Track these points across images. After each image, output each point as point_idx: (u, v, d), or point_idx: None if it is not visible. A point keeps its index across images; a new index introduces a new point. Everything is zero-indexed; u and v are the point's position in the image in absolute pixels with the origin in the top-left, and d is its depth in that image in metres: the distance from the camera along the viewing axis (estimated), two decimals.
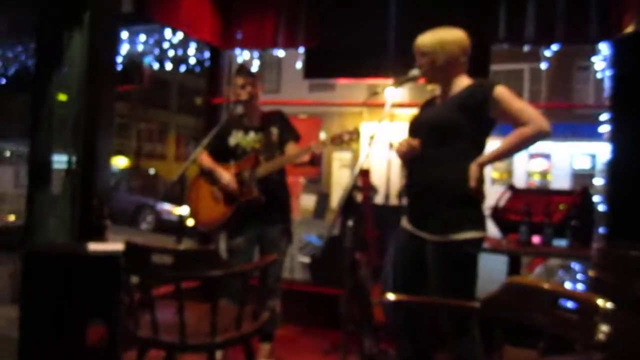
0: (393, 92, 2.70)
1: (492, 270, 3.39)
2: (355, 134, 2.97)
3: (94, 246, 2.87)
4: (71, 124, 3.50)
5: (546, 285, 1.63)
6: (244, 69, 3.39)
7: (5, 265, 3.77)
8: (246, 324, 2.38)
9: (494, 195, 4.15)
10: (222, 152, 3.39)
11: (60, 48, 3.47)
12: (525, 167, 19.84)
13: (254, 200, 3.21)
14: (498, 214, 3.93)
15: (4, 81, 6.34)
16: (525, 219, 3.50)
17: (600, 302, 1.45)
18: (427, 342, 2.43)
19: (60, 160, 3.57)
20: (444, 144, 2.35)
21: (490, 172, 18.35)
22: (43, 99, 3.57)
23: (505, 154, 2.35)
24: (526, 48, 4.01)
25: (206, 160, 3.39)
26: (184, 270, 2.19)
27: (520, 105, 2.30)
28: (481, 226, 2.35)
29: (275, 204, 3.28)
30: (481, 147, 2.38)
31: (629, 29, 2.16)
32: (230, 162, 3.36)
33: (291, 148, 3.28)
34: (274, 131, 3.33)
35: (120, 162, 21.57)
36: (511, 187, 4.14)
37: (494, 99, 2.31)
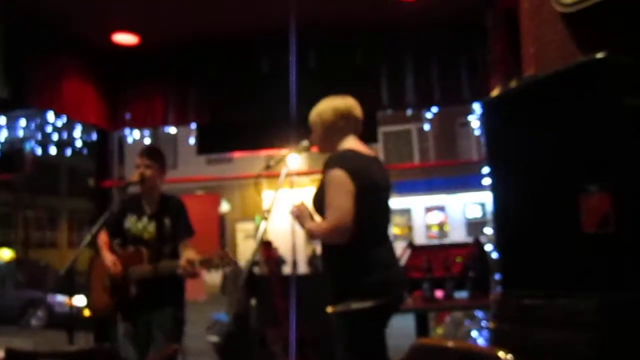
0: (290, 161, 2.74)
1: (401, 328, 3.41)
2: (225, 259, 2.92)
3: None
4: None
5: (450, 344, 1.65)
6: (144, 150, 3.27)
7: None
8: None
9: (397, 252, 4.24)
10: (119, 234, 3.24)
11: None
12: (424, 220, 20.70)
13: (130, 299, 3.08)
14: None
15: None
16: (427, 275, 3.59)
17: (501, 354, 1.48)
18: None
19: None
20: (324, 217, 2.40)
21: (391, 228, 18.92)
22: None
23: (311, 234, 2.45)
24: (409, 112, 4.28)
25: (101, 239, 3.23)
26: None
27: (331, 199, 2.32)
28: (364, 296, 2.29)
29: (162, 290, 3.08)
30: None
31: (495, 91, 2.35)
32: (127, 245, 3.20)
33: (184, 245, 3.12)
34: (167, 222, 3.18)
35: (4, 254, 19.86)
36: (411, 245, 4.26)
37: (325, 181, 2.38)
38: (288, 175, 2.65)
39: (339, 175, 2.31)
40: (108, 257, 3.14)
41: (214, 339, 5.82)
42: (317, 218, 2.43)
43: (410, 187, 18.63)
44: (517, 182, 2.13)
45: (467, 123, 17.17)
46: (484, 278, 3.59)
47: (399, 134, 19.98)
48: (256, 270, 2.45)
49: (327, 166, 2.38)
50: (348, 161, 2.36)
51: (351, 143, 2.50)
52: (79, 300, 8.42)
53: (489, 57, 3.40)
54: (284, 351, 3.28)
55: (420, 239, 19.29)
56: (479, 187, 2.97)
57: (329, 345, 2.40)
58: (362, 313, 2.27)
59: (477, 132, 4.55)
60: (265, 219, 2.36)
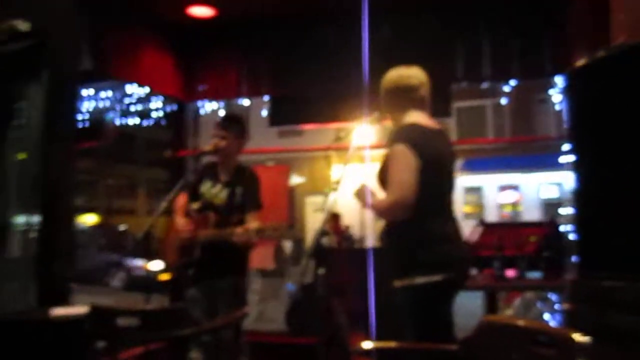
0: (360, 135, 2.72)
1: (469, 307, 3.36)
2: (279, 230, 2.93)
3: (57, 311, 2.75)
4: (30, 183, 3.40)
5: (521, 323, 1.60)
6: (220, 120, 3.34)
7: None
8: None
9: (466, 230, 4.16)
10: (196, 198, 3.35)
11: (12, 106, 3.42)
12: (496, 200, 20.13)
13: (194, 262, 3.18)
14: (470, 250, 3.93)
15: None
16: (498, 254, 3.50)
17: (576, 336, 1.42)
18: None
19: (19, 222, 3.45)
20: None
21: (461, 206, 18.54)
22: None
23: (372, 210, 2.41)
24: (484, 85, 4.12)
25: (178, 202, 3.36)
26: (152, 331, 2.10)
27: (394, 174, 2.29)
28: (432, 271, 2.27)
29: (224, 257, 3.14)
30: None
31: (581, 61, 2.21)
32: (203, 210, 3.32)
33: (249, 216, 3.17)
34: (238, 192, 3.24)
35: (89, 219, 21.14)
36: (482, 223, 4.16)
37: (388, 154, 2.35)
38: (358, 148, 2.63)
39: (401, 150, 2.28)
40: (179, 220, 3.27)
41: (283, 308, 5.97)
42: (382, 194, 2.41)
43: (484, 165, 18.11)
44: (602, 159, 2.02)
45: (546, 99, 16.43)
46: (559, 259, 3.46)
47: (473, 109, 19.35)
48: (324, 241, 2.46)
49: (390, 141, 2.34)
50: (411, 135, 2.32)
51: (415, 116, 2.44)
52: (155, 265, 8.86)
53: (572, 26, 3.20)
54: (349, 322, 3.32)
55: (491, 218, 18.77)
56: (556, 166, 2.84)
57: (394, 318, 2.40)
58: (425, 288, 2.25)
59: (557, 108, 4.32)
60: (335, 190, 2.37)
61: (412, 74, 2.46)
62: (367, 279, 2.88)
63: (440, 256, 2.29)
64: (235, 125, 3.30)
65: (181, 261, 3.25)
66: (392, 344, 2.10)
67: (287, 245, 17.58)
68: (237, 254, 3.19)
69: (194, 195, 3.36)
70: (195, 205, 3.31)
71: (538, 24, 3.76)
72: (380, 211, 2.35)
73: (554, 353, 1.50)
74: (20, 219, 3.52)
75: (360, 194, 2.43)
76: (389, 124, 2.66)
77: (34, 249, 3.41)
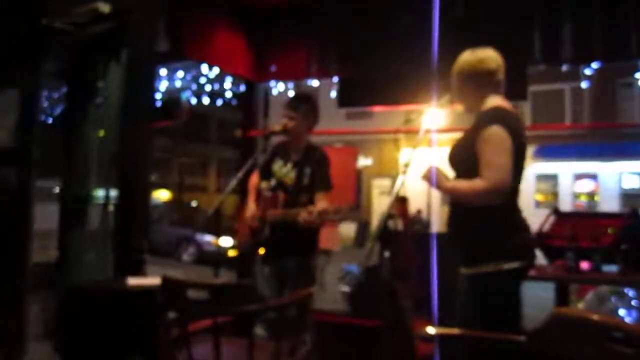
0: (430, 118, 2.67)
1: (536, 299, 3.25)
2: (340, 213, 2.90)
3: (132, 281, 2.90)
4: (109, 160, 3.57)
5: (595, 317, 1.53)
6: (288, 100, 3.35)
7: (39, 302, 3.86)
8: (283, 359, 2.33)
9: (537, 219, 4.02)
10: (268, 176, 3.40)
11: (93, 85, 3.58)
12: (571, 189, 19.27)
13: (264, 241, 3.23)
14: (542, 239, 3.79)
15: (50, 121, 6.58)
16: (571, 244, 3.36)
17: None
18: None
19: (98, 196, 3.65)
20: (465, 174, 2.30)
21: (532, 194, 17.89)
22: (76, 135, 3.65)
23: (457, 196, 2.33)
24: (564, 67, 3.91)
25: (251, 182, 3.44)
26: (220, 305, 2.17)
27: (491, 158, 2.19)
28: (511, 257, 2.23)
29: (292, 239, 3.17)
30: None
31: None
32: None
33: (318, 197, 3.18)
34: (307, 172, 3.25)
35: (162, 195, 22.04)
36: (556, 211, 4.00)
37: (481, 137, 2.24)
38: (427, 131, 2.57)
39: (499, 132, 2.20)
40: (250, 205, 3.34)
41: (345, 288, 6.02)
42: (451, 177, 2.36)
43: (559, 152, 17.37)
44: None
45: (631, 83, 15.47)
46: (638, 253, 3.27)
47: (550, 94, 18.49)
48: (390, 224, 2.44)
49: (482, 123, 2.26)
50: (505, 118, 2.25)
51: (498, 100, 2.36)
52: (225, 242, 9.15)
53: None
54: (413, 307, 3.29)
55: (565, 208, 17.98)
56: (638, 155, 2.67)
57: (457, 304, 2.36)
58: (507, 274, 2.20)
59: None
60: (403, 173, 2.34)
61: (491, 57, 2.37)
62: (431, 264, 2.84)
63: (521, 244, 2.27)
64: (303, 104, 3.30)
65: (251, 240, 3.33)
66: (456, 331, 2.07)
67: (352, 228, 17.66)
68: (305, 234, 3.19)
69: (267, 174, 3.42)
70: (266, 185, 3.37)
71: (624, 2, 3.52)
72: (470, 195, 2.24)
73: (630, 352, 1.43)
74: (99, 194, 3.72)
75: (428, 176, 2.39)
76: (458, 108, 2.60)
77: (111, 222, 3.61)
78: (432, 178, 2.35)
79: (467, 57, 2.39)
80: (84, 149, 3.70)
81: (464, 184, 2.27)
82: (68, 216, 3.75)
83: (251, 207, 3.35)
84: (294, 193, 3.24)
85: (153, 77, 3.70)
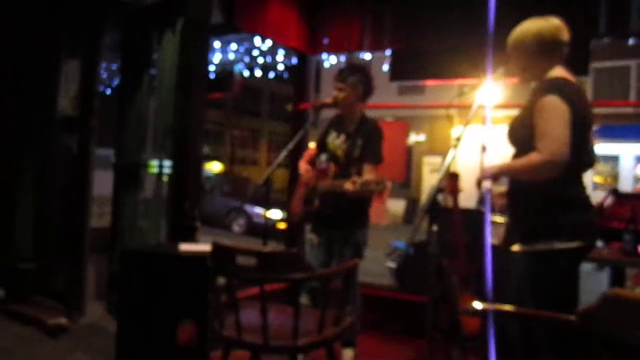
0: (486, 93, 2.59)
1: (593, 282, 3.16)
2: (381, 185, 2.86)
3: (185, 247, 2.99)
4: (163, 130, 3.66)
5: None
6: (338, 72, 3.34)
7: (94, 265, 4.05)
8: (328, 328, 2.37)
9: (596, 200, 3.87)
10: (324, 150, 3.45)
11: (149, 56, 3.65)
12: (633, 172, 18.45)
13: (315, 213, 3.28)
14: (600, 220, 3.66)
15: (109, 92, 6.79)
16: (630, 227, 3.23)
17: None
18: (523, 355, 2.28)
19: (153, 165, 3.76)
20: (524, 151, 2.22)
21: (591, 176, 17.23)
22: (131, 104, 3.75)
23: (512, 174, 2.25)
24: (631, 42, 3.71)
25: (307, 152, 3.49)
26: (268, 272, 2.21)
27: (547, 129, 2.09)
28: (571, 236, 2.16)
29: (341, 212, 3.19)
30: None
31: None
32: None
33: (366, 169, 3.17)
34: (359, 143, 3.25)
35: (215, 167, 22.50)
36: (614, 192, 3.84)
37: (537, 107, 2.15)
38: (480, 107, 2.50)
39: (556, 101, 2.11)
40: (303, 166, 3.38)
41: (393, 265, 6.01)
42: (508, 154, 2.30)
43: (621, 133, 16.59)
44: None
45: None
46: None
47: (615, 70, 17.62)
48: (440, 199, 2.41)
49: (540, 93, 2.18)
50: (565, 89, 2.15)
51: (560, 72, 2.27)
52: (274, 214, 9.27)
53: None
54: (461, 283, 3.26)
55: (626, 191, 17.29)
56: None
57: (506, 282, 2.32)
58: (563, 254, 2.14)
59: None
60: (455, 147, 2.29)
61: (561, 27, 2.27)
62: (480, 241, 2.79)
63: (582, 222, 2.19)
64: (352, 76, 3.27)
65: (303, 212, 3.37)
66: (505, 307, 2.04)
67: (401, 205, 17.54)
68: (354, 206, 3.21)
69: (323, 147, 3.44)
70: (323, 157, 3.40)
71: None
72: (532, 170, 2.14)
73: None
74: (154, 163, 3.83)
75: (486, 170, 2.31)
76: (514, 80, 2.51)
77: (165, 190, 3.71)
78: (487, 175, 2.28)
79: (540, 24, 2.28)
80: (138, 118, 3.80)
81: (520, 161, 2.19)
82: (122, 184, 3.88)
83: (303, 166, 3.39)
84: (344, 164, 3.25)
85: (207, 49, 3.73)
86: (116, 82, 6.68)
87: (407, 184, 19.09)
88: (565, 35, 2.28)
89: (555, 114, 2.11)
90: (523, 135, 2.24)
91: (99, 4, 3.86)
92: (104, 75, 6.40)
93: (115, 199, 3.90)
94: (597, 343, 1.57)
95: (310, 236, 3.43)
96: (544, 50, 2.26)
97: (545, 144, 2.08)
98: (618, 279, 3.50)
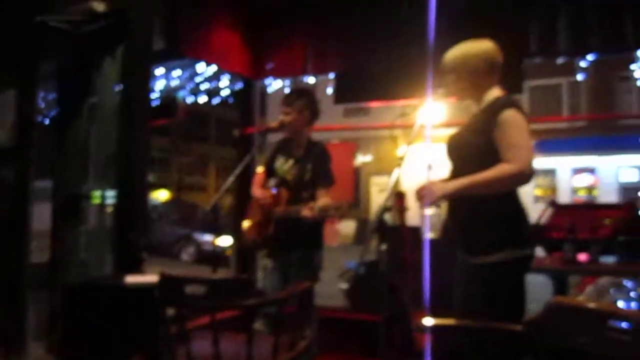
0: (427, 112, 2.66)
1: (536, 292, 3.26)
2: (340, 209, 2.92)
3: (131, 279, 2.89)
4: (105, 159, 3.57)
5: (592, 305, 1.54)
6: (284, 96, 3.36)
7: (33, 302, 3.86)
8: (283, 354, 2.34)
9: (536, 214, 4.02)
10: (272, 175, 3.44)
11: (88, 83, 3.57)
12: (570, 183, 19.29)
13: (270, 238, 3.25)
14: (540, 232, 3.80)
15: (47, 121, 6.56)
16: (569, 236, 3.37)
17: None
18: None
19: (95, 196, 3.64)
20: (472, 165, 2.27)
21: (532, 189, 17.89)
22: (70, 133, 3.64)
23: (477, 188, 2.20)
24: (560, 60, 3.92)
25: (256, 178, 3.47)
26: (218, 300, 2.17)
27: (516, 140, 2.16)
28: (522, 245, 2.24)
29: (296, 234, 3.19)
30: None
31: None
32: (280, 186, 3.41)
33: (319, 193, 3.19)
34: (309, 167, 3.27)
35: (162, 195, 22.03)
36: (553, 203, 4.01)
37: (497, 122, 2.21)
38: (423, 126, 2.56)
39: (517, 115, 2.19)
40: (258, 191, 3.37)
41: (345, 286, 6.01)
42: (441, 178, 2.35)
43: (557, 147, 17.35)
44: None
45: (628, 76, 15.47)
46: (636, 244, 3.28)
47: (548, 88, 18.50)
48: (387, 218, 2.45)
49: (496, 109, 2.24)
50: (518, 105, 2.24)
51: (499, 91, 2.36)
52: (224, 240, 9.13)
53: None
54: (412, 301, 3.29)
55: (564, 202, 18.04)
56: (637, 148, 2.67)
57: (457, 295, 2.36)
58: (518, 262, 2.20)
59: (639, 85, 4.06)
60: (399, 166, 2.33)
61: (495, 48, 2.36)
62: (424, 256, 2.84)
63: (529, 230, 2.29)
64: (298, 100, 3.29)
65: (259, 238, 3.34)
66: (454, 322, 2.08)
67: (352, 226, 17.64)
68: (309, 228, 3.21)
69: (270, 171, 3.43)
70: (271, 182, 3.39)
71: None
72: (504, 180, 2.15)
73: (628, 338, 1.43)
74: (97, 192, 3.72)
75: (421, 194, 2.35)
76: (454, 101, 2.59)
77: (109, 221, 3.60)
78: (429, 194, 2.29)
79: (483, 45, 2.36)
80: (77, 148, 3.69)
81: (486, 174, 2.17)
82: (62, 216, 3.74)
83: (258, 191, 3.37)
84: (295, 189, 3.25)
85: (149, 75, 3.69)
86: (55, 111, 6.47)
87: (356, 204, 19.26)
88: (501, 57, 2.38)
89: (520, 125, 2.18)
90: (472, 151, 2.28)
91: (35, 31, 3.75)
92: (42, 105, 6.19)
93: (55, 232, 3.75)
94: (543, 351, 1.62)
95: (264, 261, 3.40)
96: (488, 70, 2.34)
97: (516, 153, 2.13)
98: (560, 287, 3.63)
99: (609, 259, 3.39)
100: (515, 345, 2.05)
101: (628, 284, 4.49)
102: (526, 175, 2.12)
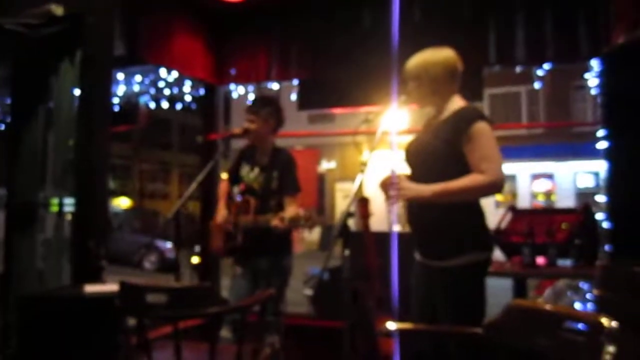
0: (391, 118, 2.68)
1: (497, 295, 3.32)
2: (310, 220, 2.94)
3: (90, 288, 2.83)
4: (63, 166, 3.47)
5: (548, 307, 1.58)
6: (249, 104, 3.37)
7: None
8: None
9: (497, 219, 4.11)
10: (238, 182, 3.42)
11: (45, 88, 3.47)
12: (529, 189, 19.77)
13: (238, 247, 3.25)
14: (500, 236, 3.88)
15: (2, 127, 6.37)
16: (527, 241, 3.45)
17: (605, 321, 1.40)
18: None
19: (53, 204, 3.54)
20: (434, 172, 2.30)
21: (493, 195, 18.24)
22: (23, 139, 3.53)
23: (452, 195, 2.23)
24: (518, 69, 4.03)
25: (221, 189, 3.47)
26: (179, 308, 2.13)
27: (488, 152, 2.21)
28: (484, 248, 2.28)
29: (266, 241, 3.19)
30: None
31: (618, 42, 2.14)
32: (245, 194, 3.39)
33: (287, 201, 3.22)
34: (275, 175, 3.27)
35: (123, 203, 21.59)
36: (512, 209, 4.10)
37: (468, 134, 2.24)
38: (386, 133, 2.58)
39: (487, 127, 2.24)
40: (220, 210, 3.36)
41: (309, 292, 6.00)
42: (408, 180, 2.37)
43: (516, 153, 17.78)
44: (637, 144, 1.96)
45: (583, 86, 15.99)
46: (591, 247, 3.39)
47: (507, 96, 18.98)
48: (350, 224, 2.45)
49: (465, 119, 2.27)
50: (485, 116, 2.29)
51: (460, 100, 2.40)
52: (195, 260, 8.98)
53: (610, 6, 3.09)
54: (376, 306, 3.31)
55: (524, 207, 18.47)
56: (592, 155, 2.76)
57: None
58: (480, 265, 2.25)
59: (593, 92, 4.19)
60: (362, 172, 2.34)
61: (456, 56, 2.41)
62: (392, 262, 2.86)
63: (489, 234, 2.36)
64: (263, 108, 3.30)
65: (226, 248, 3.33)
66: (418, 326, 2.10)
67: (316, 232, 17.62)
68: (277, 237, 3.19)
69: (235, 179, 3.41)
70: (236, 190, 3.38)
71: (574, 4, 3.64)
72: (477, 190, 2.20)
73: (581, 339, 1.47)
74: (55, 200, 3.62)
75: (386, 185, 2.37)
76: (415, 108, 2.63)
77: (67, 230, 3.51)
78: (401, 191, 2.30)
79: (445, 53, 2.40)
80: (33, 154, 3.58)
81: (460, 182, 2.20)
82: (16, 225, 3.62)
83: (222, 212, 3.36)
84: (263, 198, 3.24)
85: (109, 80, 3.61)
86: (9, 117, 6.28)
87: (320, 210, 19.28)
88: (461, 65, 2.43)
89: (491, 137, 2.24)
90: (435, 158, 2.30)
91: None
92: None
93: (8, 242, 3.62)
94: (502, 353, 1.65)
95: (233, 268, 3.39)
96: (449, 78, 2.38)
97: (490, 166, 2.18)
98: (520, 290, 3.71)
99: (566, 262, 3.48)
100: (475, 348, 2.09)
101: (584, 286, 4.62)
102: (498, 185, 2.18)
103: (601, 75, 2.23)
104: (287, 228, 2.98)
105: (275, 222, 2.96)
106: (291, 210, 3.04)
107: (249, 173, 3.35)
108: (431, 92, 2.40)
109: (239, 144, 3.57)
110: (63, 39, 3.50)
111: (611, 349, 1.31)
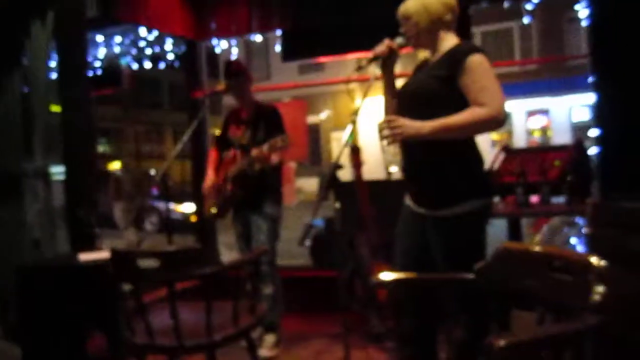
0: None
1: (493, 236, 3.33)
2: (286, 140, 3.04)
3: (84, 256, 2.82)
4: (43, 131, 3.41)
5: (537, 249, 1.57)
6: (224, 72, 3.41)
7: None
8: (244, 318, 2.33)
9: (489, 158, 4.08)
10: (228, 146, 3.46)
11: (19, 49, 3.36)
12: (525, 126, 19.70)
13: (229, 198, 3.35)
14: (493, 177, 3.86)
15: None
16: (520, 180, 3.43)
17: (594, 260, 1.38)
18: (430, 317, 2.35)
19: (43, 171, 3.50)
20: (430, 113, 2.21)
21: (488, 134, 18.20)
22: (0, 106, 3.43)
23: (451, 131, 2.10)
24: (506, 4, 3.90)
25: (210, 157, 3.54)
26: (172, 271, 2.13)
27: (487, 83, 2.09)
28: (481, 194, 2.18)
29: (257, 192, 3.30)
30: None
31: None
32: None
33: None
34: (261, 126, 3.32)
35: (117, 167, 21.53)
36: (504, 149, 4.07)
37: (464, 67, 2.12)
38: (377, 78, 2.50)
39: (484, 59, 2.11)
40: (208, 177, 3.46)
41: (308, 243, 6.04)
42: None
43: (511, 90, 17.58)
44: (626, 77, 1.91)
45: (576, 18, 15.69)
46: (585, 183, 3.37)
47: (499, 33, 18.63)
48: (342, 174, 2.42)
49: (459, 54, 2.15)
50: (481, 49, 2.17)
51: (455, 38, 2.31)
52: (185, 207, 8.98)
53: None
54: (371, 254, 3.33)
55: (520, 145, 18.44)
56: (588, 88, 2.67)
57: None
58: (481, 212, 2.15)
59: (584, 24, 4.07)
60: (353, 122, 2.28)
61: None
62: (387, 211, 2.83)
63: (488, 180, 2.27)
64: (235, 72, 3.37)
65: (219, 199, 3.41)
66: (411, 275, 2.09)
67: (312, 182, 17.68)
68: (265, 185, 3.31)
69: (225, 143, 3.48)
70: (229, 154, 3.43)
71: None
72: (478, 124, 2.08)
73: (570, 278, 1.46)
74: (48, 168, 3.57)
75: (388, 127, 2.27)
76: (410, 51, 2.54)
77: (57, 198, 3.48)
78: (400, 129, 2.20)
79: None
80: (9, 122, 3.48)
81: (460, 117, 2.08)
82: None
83: (211, 177, 3.44)
84: (250, 149, 3.25)
85: (84, 41, 3.48)
86: None
87: (315, 161, 19.28)
88: (457, 4, 2.32)
89: (489, 69, 2.11)
90: (431, 98, 2.18)
91: None
92: None
93: None
94: (492, 296, 1.65)
95: (234, 227, 3.51)
96: (447, 17, 2.27)
97: (489, 97, 2.06)
98: (514, 230, 3.73)
99: (559, 200, 3.48)
100: (468, 293, 2.08)
101: (580, 221, 4.65)
102: (500, 118, 2.06)
103: (589, 3, 2.14)
104: (268, 155, 3.07)
105: (254, 152, 3.07)
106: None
107: (236, 131, 3.44)
108: (428, 30, 2.29)
109: (230, 100, 3.60)
110: (33, 0, 3.37)
111: (600, 288, 1.30)
